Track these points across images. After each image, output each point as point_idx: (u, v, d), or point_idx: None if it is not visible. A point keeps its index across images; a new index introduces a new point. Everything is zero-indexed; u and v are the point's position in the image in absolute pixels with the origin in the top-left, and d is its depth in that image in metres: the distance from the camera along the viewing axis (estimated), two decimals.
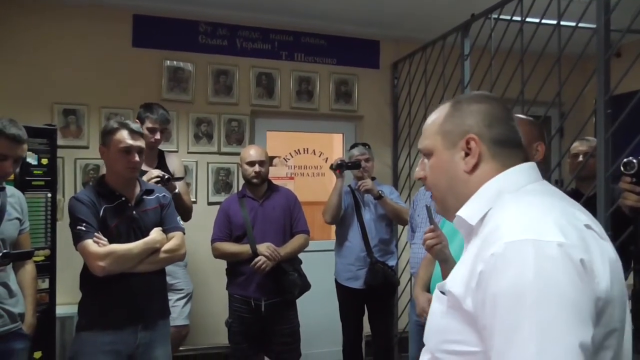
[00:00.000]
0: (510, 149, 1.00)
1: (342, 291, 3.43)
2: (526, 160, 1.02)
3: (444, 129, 1.04)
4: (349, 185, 3.47)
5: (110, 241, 2.14)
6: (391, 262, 3.36)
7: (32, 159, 2.81)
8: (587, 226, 0.87)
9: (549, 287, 0.77)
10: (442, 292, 0.95)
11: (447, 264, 1.71)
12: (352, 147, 3.55)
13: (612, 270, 0.84)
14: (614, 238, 2.14)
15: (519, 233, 0.82)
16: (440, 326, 0.94)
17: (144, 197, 2.30)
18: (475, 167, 1.00)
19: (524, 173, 0.99)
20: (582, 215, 0.90)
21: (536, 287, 0.77)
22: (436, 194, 1.08)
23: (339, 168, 3.29)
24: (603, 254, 0.85)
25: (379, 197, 3.26)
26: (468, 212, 0.99)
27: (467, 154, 1.00)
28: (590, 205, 2.21)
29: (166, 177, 2.70)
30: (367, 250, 3.30)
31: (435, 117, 1.08)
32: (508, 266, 0.80)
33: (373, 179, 3.43)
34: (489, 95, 1.07)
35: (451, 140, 1.03)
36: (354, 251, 3.35)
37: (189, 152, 3.90)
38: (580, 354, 0.75)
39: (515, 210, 0.89)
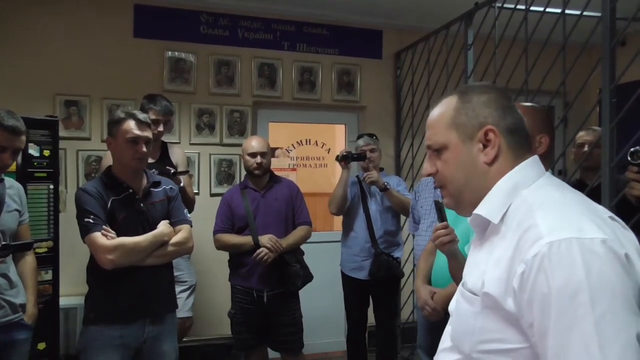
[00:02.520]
0: (521, 138, 1.01)
1: (347, 281, 3.42)
2: (531, 150, 1.03)
3: (457, 122, 1.03)
4: (357, 176, 3.45)
5: (118, 234, 2.12)
6: (397, 254, 3.34)
7: (34, 151, 2.81)
8: (612, 218, 0.89)
9: (601, 284, 0.78)
10: (473, 293, 0.96)
11: (456, 259, 1.69)
12: (359, 137, 3.51)
13: None
14: None
15: (558, 232, 0.83)
16: (475, 327, 0.94)
17: (151, 189, 2.28)
18: (495, 158, 1.00)
19: (533, 167, 1.00)
20: (600, 207, 0.92)
21: (589, 286, 0.78)
22: (451, 189, 1.06)
23: (344, 159, 3.27)
24: (633, 244, 0.87)
25: (384, 189, 3.23)
26: (488, 209, 0.98)
27: (485, 146, 1.00)
28: (594, 196, 2.20)
29: (171, 171, 2.69)
30: (372, 242, 3.28)
31: (443, 110, 1.06)
32: (556, 266, 0.81)
33: (381, 169, 3.41)
34: (492, 85, 1.09)
35: (467, 133, 1.02)
36: (359, 242, 3.33)
37: (191, 144, 3.89)
38: (638, 345, 0.77)
39: (546, 208, 0.89)
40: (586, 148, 2.78)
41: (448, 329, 1.12)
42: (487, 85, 1.07)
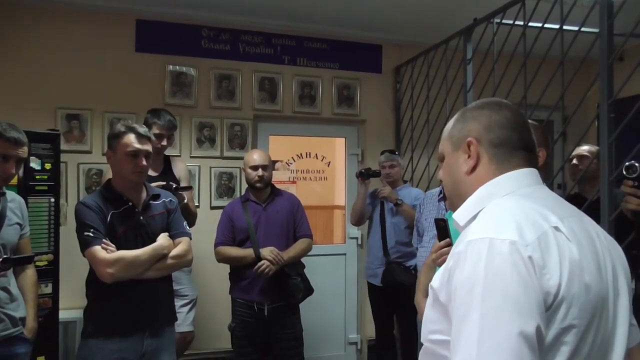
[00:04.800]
0: (508, 150, 1.05)
1: (368, 287, 3.67)
2: (531, 164, 1.06)
3: (451, 134, 1.13)
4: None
5: (118, 247, 2.12)
6: (410, 263, 3.43)
7: (35, 164, 2.81)
8: (556, 228, 0.92)
9: (495, 281, 0.84)
10: (431, 287, 1.01)
11: None
12: (381, 153, 3.73)
13: (571, 269, 0.88)
14: (617, 242, 2.13)
15: (480, 232, 0.90)
16: (427, 317, 1.01)
17: (151, 202, 2.28)
18: (474, 168, 1.06)
19: (519, 178, 1.04)
20: (554, 218, 0.93)
21: (484, 280, 0.84)
22: (447, 193, 1.17)
23: (360, 176, 3.57)
24: (563, 254, 0.89)
25: (396, 205, 3.43)
26: (459, 214, 1.06)
27: (469, 156, 1.07)
28: (593, 209, 2.21)
29: (174, 186, 2.70)
30: (384, 251, 3.45)
31: (449, 123, 1.16)
32: (466, 261, 0.88)
33: (404, 182, 3.72)
34: (496, 101, 1.12)
35: (456, 144, 1.11)
36: (373, 250, 3.58)
37: (191, 157, 3.91)
38: (520, 341, 0.80)
39: (489, 213, 0.96)
40: (575, 161, 2.82)
41: None
42: (489, 101, 1.12)
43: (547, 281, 0.85)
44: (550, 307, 0.85)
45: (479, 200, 1.03)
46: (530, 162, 1.06)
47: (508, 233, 0.87)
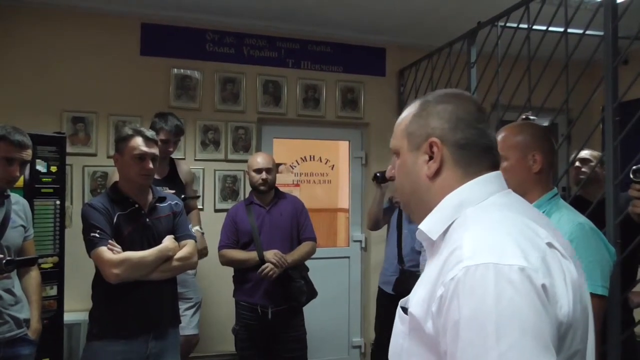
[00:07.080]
0: (475, 153, 0.95)
1: (379, 293, 3.51)
2: (495, 166, 0.97)
3: (409, 129, 1.00)
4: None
5: (124, 249, 2.14)
6: None
7: (41, 167, 2.83)
8: (549, 244, 0.84)
9: (510, 315, 0.73)
10: (405, 312, 0.91)
11: None
12: None
13: (574, 292, 0.82)
14: (622, 246, 2.13)
15: (479, 256, 0.78)
16: (403, 348, 0.90)
17: (157, 204, 2.30)
18: (437, 172, 0.95)
19: (488, 184, 0.94)
20: (543, 232, 0.86)
21: (496, 316, 0.73)
22: (400, 195, 1.04)
23: (375, 179, 3.45)
24: (565, 276, 0.82)
25: None
26: (429, 225, 0.94)
27: (430, 158, 0.95)
28: (597, 212, 2.20)
29: (182, 197, 2.72)
30: (399, 258, 3.32)
31: (405, 114, 1.03)
32: (468, 292, 0.76)
33: None
34: (459, 93, 1.01)
35: (415, 143, 0.98)
36: (389, 257, 3.43)
37: (196, 160, 3.92)
38: None
39: (477, 229, 0.84)
40: (577, 164, 2.83)
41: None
42: (452, 93, 1.01)
43: (559, 310, 0.78)
44: (560, 337, 0.79)
45: (451, 210, 0.92)
46: (495, 164, 0.97)
47: (513, 257, 0.77)
